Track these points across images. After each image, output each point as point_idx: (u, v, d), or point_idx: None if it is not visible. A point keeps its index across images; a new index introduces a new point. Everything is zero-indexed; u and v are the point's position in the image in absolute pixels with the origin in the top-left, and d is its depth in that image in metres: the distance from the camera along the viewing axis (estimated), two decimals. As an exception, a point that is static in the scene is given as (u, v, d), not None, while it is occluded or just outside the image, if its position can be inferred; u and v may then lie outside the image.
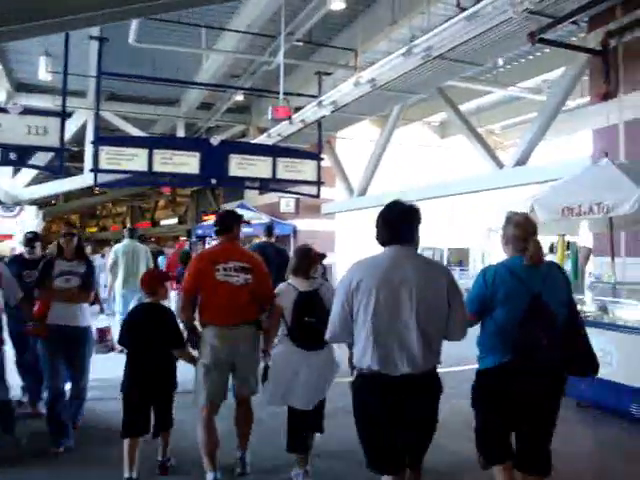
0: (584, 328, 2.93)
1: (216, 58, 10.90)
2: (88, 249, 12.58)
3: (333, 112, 9.42)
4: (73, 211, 35.59)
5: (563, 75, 9.17)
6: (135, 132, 13.83)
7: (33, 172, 12.81)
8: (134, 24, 8.70)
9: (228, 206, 17.54)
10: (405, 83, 8.29)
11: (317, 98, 9.40)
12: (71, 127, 12.81)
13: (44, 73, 10.30)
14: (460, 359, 4.77)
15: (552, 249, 7.60)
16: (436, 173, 15.22)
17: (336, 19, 9.82)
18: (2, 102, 12.11)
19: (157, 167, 7.91)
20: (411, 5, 8.44)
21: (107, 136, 9.51)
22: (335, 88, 9.04)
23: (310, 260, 3.64)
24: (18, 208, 13.11)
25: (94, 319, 4.71)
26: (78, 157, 14.42)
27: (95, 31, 8.93)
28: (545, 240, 7.50)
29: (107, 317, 5.57)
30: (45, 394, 4.12)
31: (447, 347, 2.60)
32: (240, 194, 17.60)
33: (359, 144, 15.00)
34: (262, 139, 11.19)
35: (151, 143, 8.26)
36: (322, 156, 9.30)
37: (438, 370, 2.56)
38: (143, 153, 7.85)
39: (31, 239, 5.01)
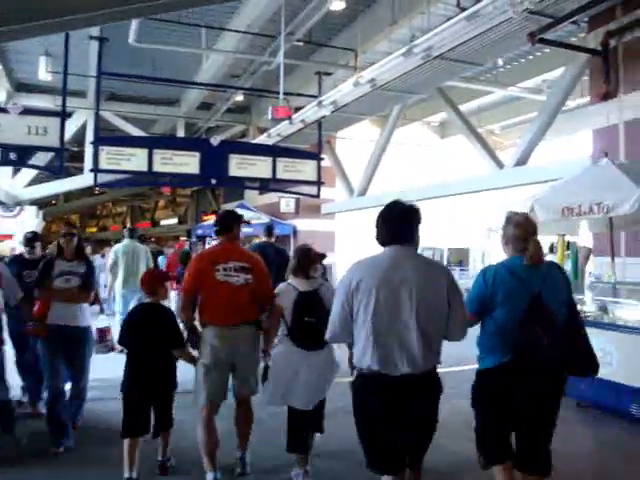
0: (584, 328, 2.93)
1: (216, 58, 10.90)
2: (88, 249, 12.61)
3: (333, 112, 9.42)
4: (73, 211, 35.61)
5: (563, 75, 9.18)
6: (135, 132, 13.83)
7: (33, 172, 12.81)
8: (134, 24, 8.70)
9: (228, 206, 17.54)
10: (405, 83, 8.29)
11: (317, 98, 9.40)
12: (71, 127, 12.81)
13: (44, 73, 10.30)
14: (460, 359, 4.77)
15: (552, 249, 7.59)
16: (436, 173, 15.23)
17: (336, 19, 9.82)
18: (2, 102, 12.11)
19: (157, 167, 7.92)
20: (411, 5, 8.44)
21: (107, 136, 9.50)
22: (335, 88, 9.04)
23: (310, 260, 3.63)
24: (18, 208, 13.11)
25: (94, 319, 4.71)
26: (78, 157, 14.43)
27: (95, 31, 8.93)
28: (545, 240, 7.50)
29: (107, 317, 5.57)
30: (45, 394, 4.12)
31: (447, 347, 2.60)
32: (240, 194, 17.60)
33: (359, 144, 15.00)
34: (262, 139, 11.19)
35: (151, 143, 8.27)
36: (322, 156, 9.30)
37: (438, 370, 2.56)
38: (143, 153, 7.85)
39: (31, 239, 4.99)
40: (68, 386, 4.20)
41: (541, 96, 12.32)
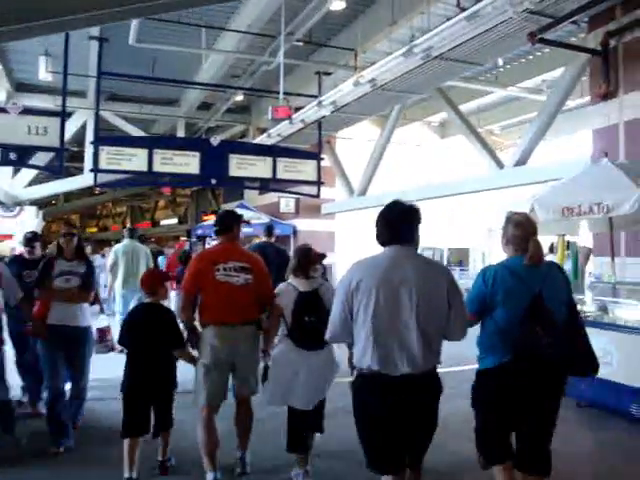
0: (584, 328, 2.93)
1: (216, 58, 10.90)
2: (88, 249, 12.62)
3: (333, 112, 9.42)
4: (73, 211, 35.62)
5: (563, 75, 9.19)
6: (135, 132, 13.83)
7: (33, 172, 12.81)
8: (134, 24, 8.70)
9: (228, 206, 17.53)
10: (405, 83, 8.29)
11: (317, 98, 9.40)
12: (71, 127, 12.82)
13: (44, 73, 10.30)
14: (460, 359, 4.77)
15: (552, 249, 7.59)
16: (436, 173, 15.23)
17: (336, 19, 9.82)
18: (2, 102, 12.10)
19: (157, 167, 7.93)
20: (411, 5, 8.44)
21: (107, 136, 9.51)
22: (335, 88, 9.03)
23: (310, 260, 3.63)
24: (18, 208, 13.11)
25: (94, 319, 4.71)
26: (78, 157, 14.43)
27: (95, 31, 8.94)
28: (545, 240, 7.50)
29: (107, 317, 5.56)
30: (45, 394, 4.12)
31: (447, 347, 2.59)
32: (240, 194, 17.60)
33: (359, 144, 15.00)
34: (262, 139, 11.19)
35: (151, 143, 8.28)
36: (322, 156, 9.32)
37: (438, 370, 2.55)
38: (143, 153, 7.87)
39: (30, 239, 4.97)
40: (68, 386, 4.19)
41: (541, 96, 12.32)
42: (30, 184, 13.70)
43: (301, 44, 9.98)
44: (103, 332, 4.72)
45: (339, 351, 3.50)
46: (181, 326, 3.66)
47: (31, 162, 7.42)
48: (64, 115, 7.14)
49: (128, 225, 31.56)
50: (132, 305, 6.26)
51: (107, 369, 5.21)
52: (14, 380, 4.66)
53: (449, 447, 3.75)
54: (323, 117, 9.65)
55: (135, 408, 3.48)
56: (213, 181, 8.66)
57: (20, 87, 13.33)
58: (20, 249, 5.38)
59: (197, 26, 9.50)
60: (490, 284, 2.79)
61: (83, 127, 12.97)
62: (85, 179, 12.39)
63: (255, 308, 3.60)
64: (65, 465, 3.75)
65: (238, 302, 3.50)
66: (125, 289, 7.55)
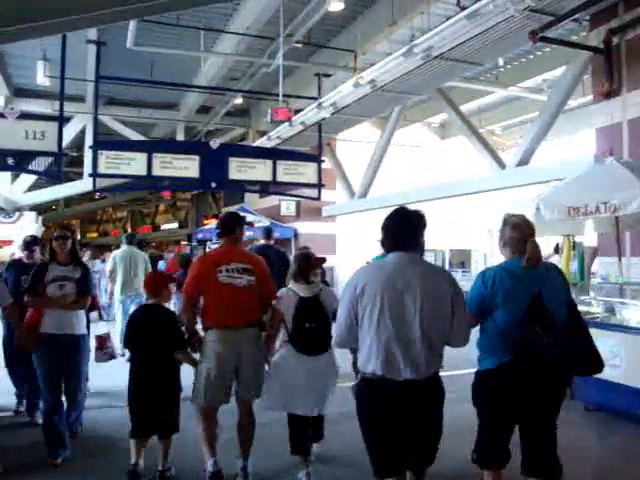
0: (587, 328, 2.91)
1: (215, 61, 10.85)
2: (88, 254, 12.59)
3: (333, 114, 9.35)
4: (73, 216, 35.65)
5: (564, 74, 9.12)
6: (134, 136, 13.78)
7: (32, 178, 12.76)
8: (132, 27, 8.64)
9: (229, 210, 17.47)
10: (405, 84, 8.23)
11: (317, 100, 9.35)
12: (70, 132, 12.80)
13: (42, 78, 10.26)
14: (464, 362, 4.69)
15: (557, 249, 7.51)
16: (437, 174, 15.16)
17: (335, 20, 9.77)
18: (0, 107, 12.07)
19: (156, 171, 7.89)
20: (411, 5, 8.38)
21: (106, 140, 9.46)
22: (335, 90, 8.97)
23: (310, 265, 3.64)
24: (17, 214, 13.06)
25: (93, 326, 4.64)
26: (78, 162, 14.39)
27: (93, 35, 8.92)
28: (550, 240, 7.42)
29: (107, 323, 5.51)
30: (41, 404, 4.04)
31: (449, 350, 2.59)
32: (240, 197, 17.55)
33: (359, 146, 14.94)
34: (262, 142, 11.13)
35: (150, 147, 8.24)
36: (322, 158, 9.27)
37: (441, 374, 2.56)
38: (142, 157, 7.83)
39: (29, 242, 4.85)
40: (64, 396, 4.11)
41: (542, 96, 12.27)
42: (30, 189, 13.66)
43: (300, 46, 9.92)
44: (102, 339, 4.63)
45: (338, 356, 3.49)
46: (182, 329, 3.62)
47: (30, 167, 7.36)
48: (62, 119, 7.09)
49: (128, 230, 31.61)
50: (132, 310, 6.20)
51: (107, 378, 5.16)
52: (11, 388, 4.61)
53: (453, 452, 3.67)
54: (323, 119, 9.59)
55: (139, 409, 3.50)
56: (213, 184, 8.60)
57: (19, 92, 13.30)
58: (20, 254, 5.30)
59: (195, 28, 9.44)
60: (490, 286, 2.79)
61: (82, 132, 12.92)
62: (84, 184, 12.34)
63: (258, 310, 3.57)
64: (65, 475, 3.68)
65: (241, 304, 3.47)
66: (123, 295, 7.49)
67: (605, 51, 7.18)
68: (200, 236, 16.40)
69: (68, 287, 3.89)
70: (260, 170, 8.42)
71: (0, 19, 3.45)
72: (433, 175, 15.00)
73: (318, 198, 9.12)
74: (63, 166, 8.18)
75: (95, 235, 41.53)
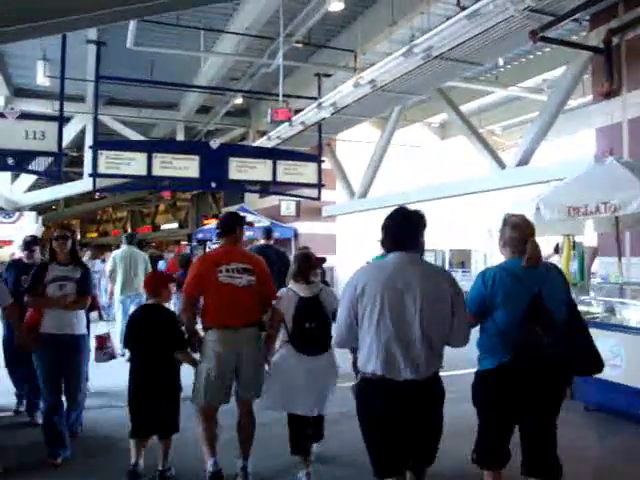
0: (587, 328, 2.91)
1: (215, 61, 10.85)
2: (88, 254, 12.60)
3: (333, 114, 9.35)
4: (74, 216, 35.65)
5: (564, 74, 9.12)
6: (134, 136, 13.78)
7: (32, 178, 12.77)
8: (132, 27, 8.64)
9: (229, 210, 17.47)
10: (405, 84, 8.22)
11: (317, 100, 9.34)
12: (70, 132, 12.80)
13: (42, 78, 10.26)
14: (464, 362, 4.68)
15: (557, 249, 7.51)
16: (437, 174, 15.15)
17: (335, 20, 9.76)
18: (0, 107, 12.07)
19: (156, 171, 7.89)
20: (411, 5, 8.37)
21: (106, 140, 9.46)
22: (335, 90, 8.97)
23: (310, 265, 3.65)
24: (17, 214, 13.06)
25: (93, 326, 4.64)
26: (78, 162, 14.38)
27: (93, 35, 8.91)
28: (550, 240, 7.42)
29: (107, 323, 5.51)
30: (41, 403, 4.04)
31: (450, 350, 2.59)
32: (240, 197, 17.55)
33: (359, 146, 14.94)
34: (262, 142, 11.13)
35: (150, 147, 8.25)
36: (322, 158, 9.27)
37: (441, 374, 2.56)
38: (142, 157, 7.83)
39: (29, 242, 4.84)
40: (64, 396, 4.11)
41: (542, 96, 12.26)
42: (30, 189, 13.66)
43: (300, 46, 9.92)
44: (102, 339, 4.62)
45: (338, 356, 3.49)
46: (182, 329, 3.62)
47: (30, 167, 7.36)
48: (62, 119, 7.09)
49: (128, 230, 31.61)
50: (132, 310, 6.20)
51: (107, 378, 5.16)
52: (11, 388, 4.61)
53: (453, 452, 3.67)
54: (323, 119, 9.59)
55: (139, 409, 3.51)
56: (213, 184, 8.60)
57: (19, 92, 13.30)
58: (20, 254, 5.30)
59: (195, 29, 9.44)
60: (490, 285, 2.79)
61: (82, 132, 12.93)
62: (84, 184, 12.35)
63: (258, 310, 3.58)
64: (65, 475, 3.68)
65: (241, 304, 3.47)
66: (123, 295, 7.49)
67: (605, 51, 7.18)
68: (200, 236, 16.39)
69: (68, 287, 3.88)
70: (260, 170, 8.42)
71: (0, 19, 3.45)
72: (433, 175, 14.99)
73: (318, 198, 9.12)
74: (63, 166, 8.18)
75: (95, 235, 41.52)
